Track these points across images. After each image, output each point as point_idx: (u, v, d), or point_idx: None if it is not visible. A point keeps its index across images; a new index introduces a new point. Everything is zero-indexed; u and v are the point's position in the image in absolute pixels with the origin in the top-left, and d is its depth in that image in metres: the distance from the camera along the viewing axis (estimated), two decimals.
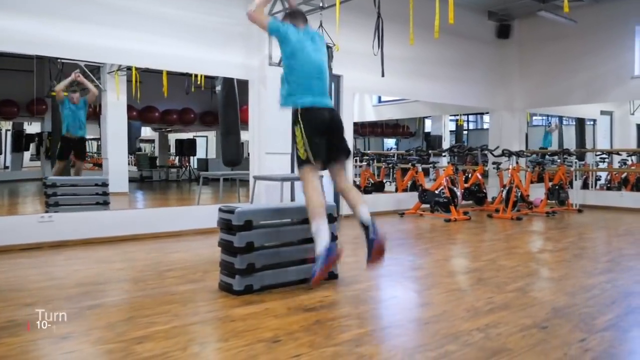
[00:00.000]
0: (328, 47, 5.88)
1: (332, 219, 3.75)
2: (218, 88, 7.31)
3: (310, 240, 3.68)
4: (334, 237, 3.74)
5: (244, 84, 6.76)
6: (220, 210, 3.52)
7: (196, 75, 8.63)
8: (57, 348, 2.39)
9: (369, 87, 8.42)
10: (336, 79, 7.58)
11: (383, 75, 5.64)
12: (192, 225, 6.11)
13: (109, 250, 5.02)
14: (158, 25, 5.86)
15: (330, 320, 2.79)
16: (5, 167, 13.10)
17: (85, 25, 5.41)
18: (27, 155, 12.97)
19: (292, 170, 7.10)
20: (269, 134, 6.56)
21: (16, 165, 12.80)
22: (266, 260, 3.44)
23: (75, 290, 3.43)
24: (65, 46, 5.36)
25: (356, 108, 13.60)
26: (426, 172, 10.12)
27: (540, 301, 3.19)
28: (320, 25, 5.94)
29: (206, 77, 8.83)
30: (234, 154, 7.72)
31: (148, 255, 4.79)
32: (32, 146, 12.90)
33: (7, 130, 12.81)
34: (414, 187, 8.86)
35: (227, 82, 7.19)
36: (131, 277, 3.90)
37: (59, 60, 9.27)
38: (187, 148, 16.27)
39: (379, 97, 13.95)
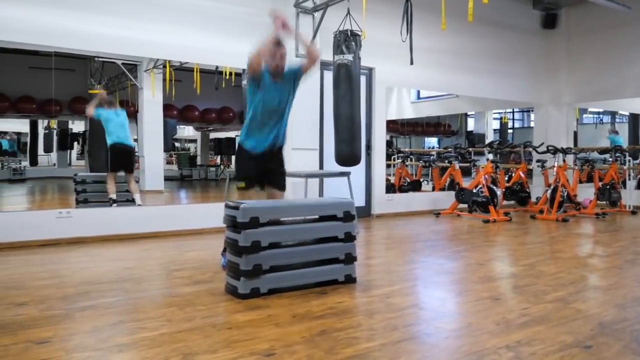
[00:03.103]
0: (356, 35, 5.59)
1: (350, 217, 3.44)
2: (244, 82, 7.07)
3: (326, 239, 3.38)
4: (352, 237, 3.42)
5: None
6: (226, 206, 3.26)
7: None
8: (28, 355, 2.17)
9: (403, 80, 8.03)
10: (367, 72, 7.24)
11: (412, 63, 5.27)
12: (216, 222, 5.88)
13: (127, 248, 4.86)
14: (184, 17, 5.70)
15: (337, 331, 2.47)
16: (53, 165, 13.46)
17: (117, 19, 5.29)
18: (74, 154, 13.29)
19: (321, 167, 6.81)
20: (295, 130, 6.25)
21: (62, 163, 13.11)
22: (275, 261, 3.15)
23: (74, 290, 3.24)
24: (91, 40, 5.26)
25: (394, 105, 13.16)
26: (468, 172, 9.61)
27: (585, 314, 2.76)
28: (348, 13, 5.62)
29: (237, 74, 8.65)
30: None
31: (164, 254, 4.60)
32: (77, 145, 13.20)
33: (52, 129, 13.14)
34: (452, 186, 8.40)
35: None
36: (138, 276, 3.69)
37: (96, 58, 9.37)
38: (225, 147, 16.29)
39: (418, 93, 13.43)
